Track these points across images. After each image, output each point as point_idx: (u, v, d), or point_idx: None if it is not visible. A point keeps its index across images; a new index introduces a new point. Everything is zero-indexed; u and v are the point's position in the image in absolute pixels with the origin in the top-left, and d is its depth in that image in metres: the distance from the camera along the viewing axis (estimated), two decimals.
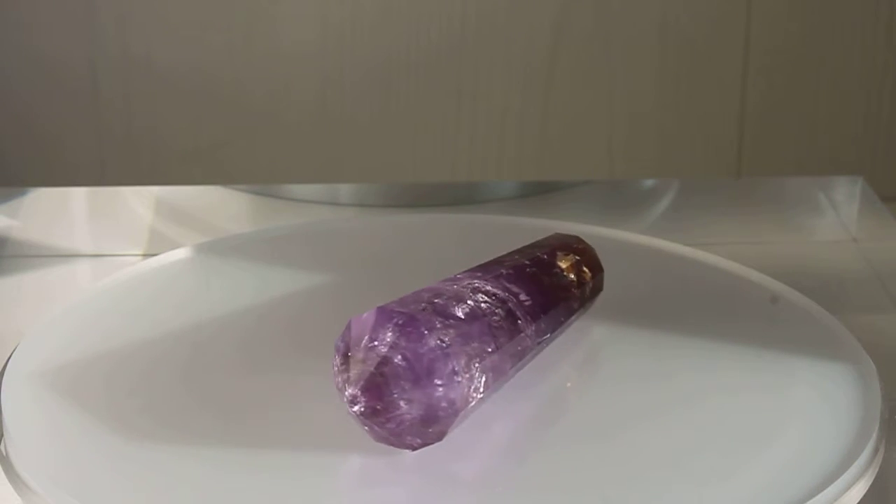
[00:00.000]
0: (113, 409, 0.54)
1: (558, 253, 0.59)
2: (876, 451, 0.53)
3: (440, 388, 0.50)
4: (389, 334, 0.50)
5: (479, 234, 0.70)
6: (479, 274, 0.56)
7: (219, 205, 0.81)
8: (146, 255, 0.73)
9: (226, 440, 0.53)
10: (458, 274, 0.56)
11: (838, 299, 0.68)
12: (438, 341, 0.51)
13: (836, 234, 0.77)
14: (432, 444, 0.51)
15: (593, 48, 0.91)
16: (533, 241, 0.61)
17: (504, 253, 0.59)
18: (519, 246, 0.60)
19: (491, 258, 0.58)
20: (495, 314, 0.54)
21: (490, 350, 0.52)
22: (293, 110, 0.91)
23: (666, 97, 0.92)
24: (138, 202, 0.81)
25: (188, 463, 0.52)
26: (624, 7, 0.90)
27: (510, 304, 0.55)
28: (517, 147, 0.92)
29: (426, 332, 0.51)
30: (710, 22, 0.91)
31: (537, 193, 0.82)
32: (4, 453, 0.53)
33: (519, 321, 0.55)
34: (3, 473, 0.52)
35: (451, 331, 0.51)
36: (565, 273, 0.59)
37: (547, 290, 0.57)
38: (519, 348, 0.54)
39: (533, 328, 0.55)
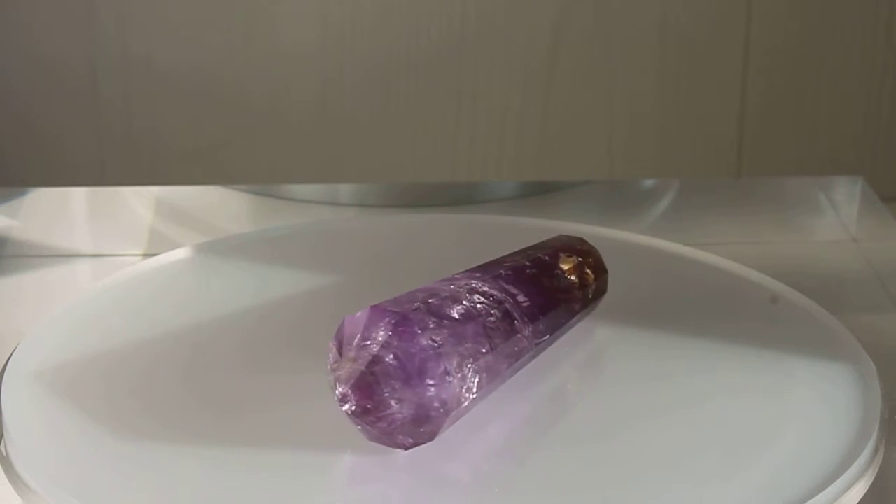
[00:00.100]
0: (113, 409, 0.54)
1: (560, 254, 0.59)
2: (876, 451, 0.53)
3: (431, 388, 0.50)
4: (382, 333, 0.50)
5: (479, 234, 0.70)
6: (477, 274, 0.56)
7: (219, 205, 0.81)
8: (146, 255, 0.73)
9: (225, 440, 0.53)
10: (457, 274, 0.56)
11: (838, 299, 0.67)
12: (430, 341, 0.51)
13: (836, 234, 0.77)
14: (424, 443, 0.51)
15: (593, 48, 0.91)
16: (533, 241, 0.61)
17: (504, 253, 0.59)
18: (519, 246, 0.60)
19: (491, 258, 0.58)
20: (491, 315, 0.54)
21: (484, 351, 0.52)
22: (293, 110, 0.91)
23: (666, 97, 0.92)
24: (138, 202, 0.81)
25: (188, 463, 0.52)
26: (624, 7, 0.90)
27: (507, 305, 0.55)
28: (517, 147, 0.92)
29: (419, 331, 0.51)
30: (710, 22, 0.91)
31: (537, 193, 0.82)
32: (4, 453, 0.53)
33: (516, 322, 0.54)
34: (3, 473, 0.52)
35: (445, 331, 0.51)
36: (567, 275, 0.59)
37: (546, 292, 0.57)
38: (515, 349, 0.54)
39: (530, 329, 0.55)
